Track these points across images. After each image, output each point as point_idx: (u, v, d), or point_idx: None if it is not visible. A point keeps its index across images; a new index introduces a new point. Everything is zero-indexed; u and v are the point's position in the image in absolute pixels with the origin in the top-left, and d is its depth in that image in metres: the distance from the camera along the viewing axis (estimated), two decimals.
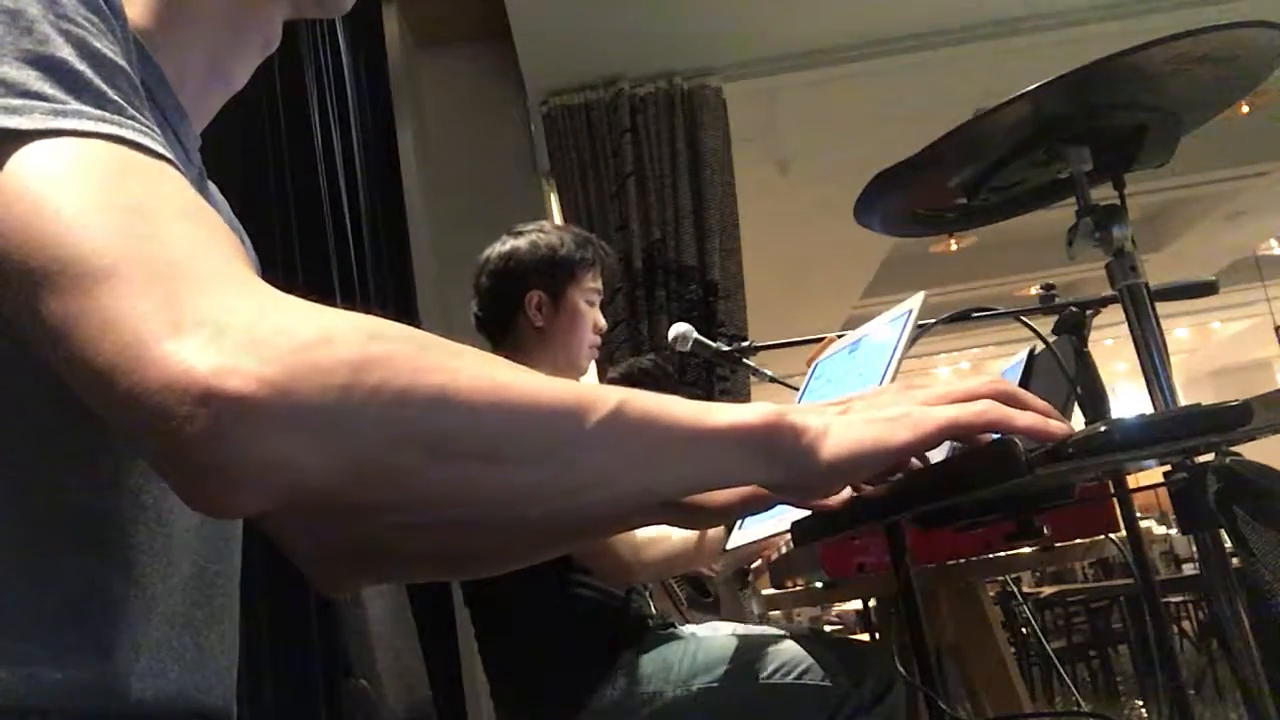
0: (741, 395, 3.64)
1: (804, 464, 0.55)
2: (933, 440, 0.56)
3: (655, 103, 3.78)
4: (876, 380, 0.97)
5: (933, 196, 1.03)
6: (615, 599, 1.67)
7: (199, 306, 0.41)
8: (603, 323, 1.82)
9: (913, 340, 1.00)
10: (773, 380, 1.97)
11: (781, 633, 1.58)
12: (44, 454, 0.51)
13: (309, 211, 2.65)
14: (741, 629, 1.62)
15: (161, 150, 0.48)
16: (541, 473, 0.48)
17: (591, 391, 0.50)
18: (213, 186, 0.72)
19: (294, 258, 2.54)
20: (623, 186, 3.71)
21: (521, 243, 1.78)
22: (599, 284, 1.80)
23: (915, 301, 1.03)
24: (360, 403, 0.41)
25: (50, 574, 0.51)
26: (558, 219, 3.88)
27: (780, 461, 0.55)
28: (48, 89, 0.46)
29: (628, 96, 3.77)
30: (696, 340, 1.90)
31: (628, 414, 0.50)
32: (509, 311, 1.77)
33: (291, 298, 0.45)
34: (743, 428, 0.54)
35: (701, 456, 0.53)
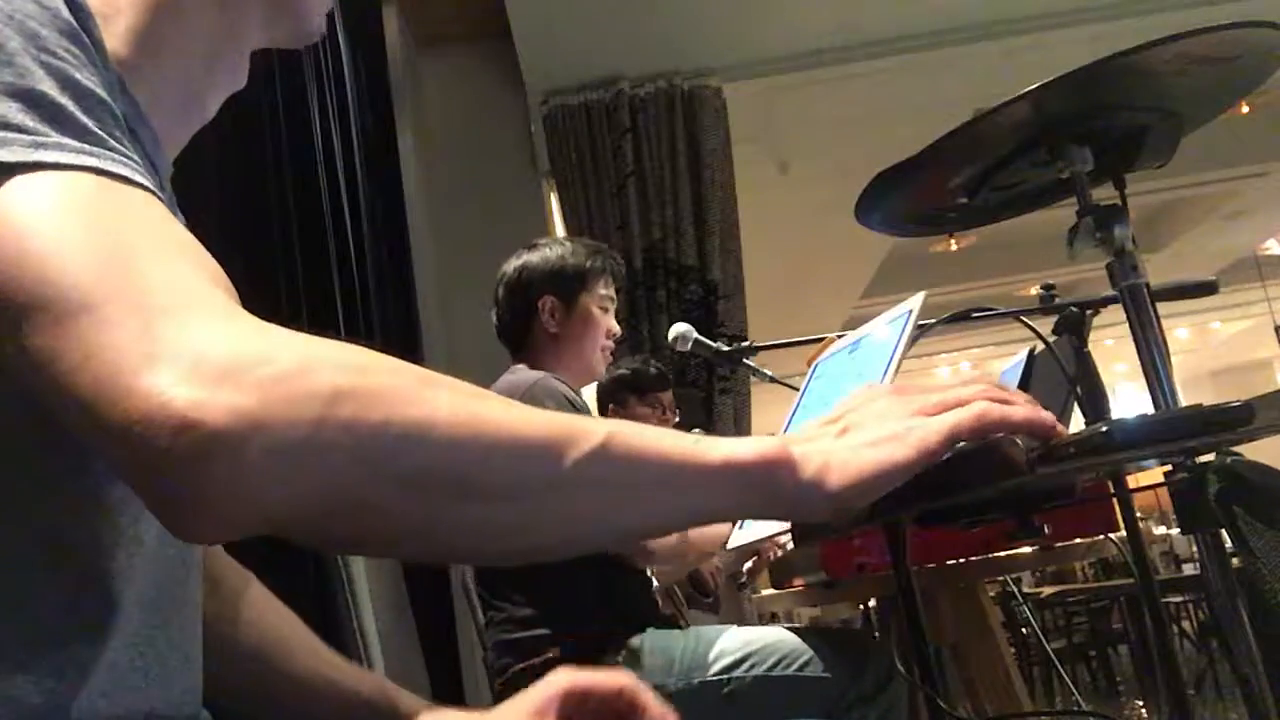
0: (742, 395, 3.64)
1: (807, 499, 0.53)
2: (937, 454, 0.55)
3: (655, 103, 3.77)
4: (876, 381, 0.97)
5: (933, 196, 1.03)
6: (640, 573, 1.74)
7: (177, 338, 0.42)
8: (616, 328, 1.89)
9: (913, 340, 1.00)
10: (773, 380, 1.97)
11: (780, 627, 1.59)
12: (21, 477, 0.51)
13: (309, 211, 2.65)
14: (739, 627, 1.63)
15: (142, 180, 0.48)
16: (517, 509, 0.47)
17: (577, 426, 0.48)
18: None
19: (294, 258, 2.53)
20: (623, 186, 3.71)
21: (534, 255, 1.87)
22: (611, 291, 1.88)
23: (915, 302, 1.03)
24: (333, 436, 0.42)
25: (29, 599, 0.51)
26: (558, 219, 3.88)
27: (780, 497, 0.53)
28: (29, 121, 0.46)
29: (628, 96, 3.77)
30: (696, 340, 1.90)
31: (612, 451, 0.48)
32: (525, 318, 1.84)
33: (271, 326, 0.45)
34: (738, 464, 0.52)
35: (693, 494, 0.51)
